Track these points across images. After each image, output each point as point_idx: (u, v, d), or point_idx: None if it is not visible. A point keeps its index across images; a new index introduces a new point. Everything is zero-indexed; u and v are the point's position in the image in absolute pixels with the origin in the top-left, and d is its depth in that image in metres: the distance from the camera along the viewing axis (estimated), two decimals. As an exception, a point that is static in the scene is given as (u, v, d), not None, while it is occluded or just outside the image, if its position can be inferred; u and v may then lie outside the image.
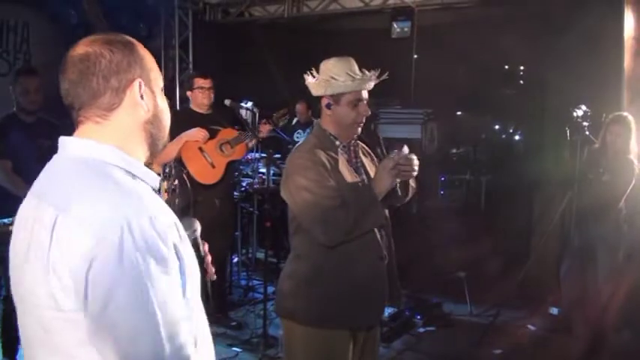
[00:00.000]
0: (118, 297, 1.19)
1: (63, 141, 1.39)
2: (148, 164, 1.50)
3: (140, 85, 1.40)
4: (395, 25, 6.38)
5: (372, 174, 2.75)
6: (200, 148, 4.76)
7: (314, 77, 2.68)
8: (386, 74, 2.72)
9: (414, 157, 2.58)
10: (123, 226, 1.20)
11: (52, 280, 1.22)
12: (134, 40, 1.45)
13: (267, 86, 7.62)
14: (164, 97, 1.51)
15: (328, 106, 2.63)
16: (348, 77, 2.59)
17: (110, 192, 1.27)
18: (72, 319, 1.23)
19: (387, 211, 2.77)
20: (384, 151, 2.80)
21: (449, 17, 6.72)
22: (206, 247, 1.70)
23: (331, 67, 2.62)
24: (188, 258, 1.36)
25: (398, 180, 2.61)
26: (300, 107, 7.24)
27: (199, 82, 4.87)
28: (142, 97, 1.41)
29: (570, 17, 5.68)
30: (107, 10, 6.74)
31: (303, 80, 2.69)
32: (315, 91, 2.66)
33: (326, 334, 2.62)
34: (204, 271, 1.64)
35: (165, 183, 5.26)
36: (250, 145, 5.06)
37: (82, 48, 1.37)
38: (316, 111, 2.78)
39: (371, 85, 2.68)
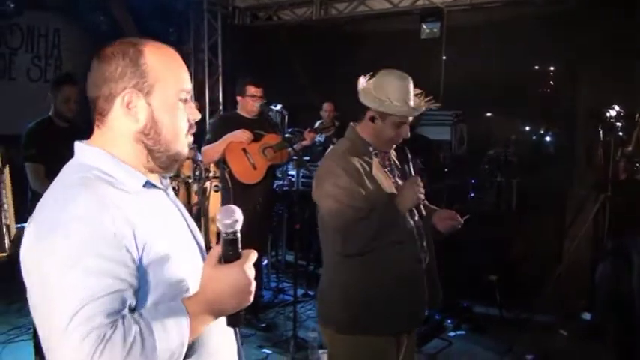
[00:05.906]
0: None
1: (75, 146, 1.48)
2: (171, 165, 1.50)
3: (126, 96, 1.40)
4: (424, 26, 6.37)
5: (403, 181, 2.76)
6: (244, 150, 4.86)
7: (367, 82, 2.66)
8: (437, 104, 2.74)
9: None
10: (60, 227, 1.26)
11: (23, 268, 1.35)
12: (145, 49, 1.42)
13: (296, 89, 7.64)
14: (172, 111, 1.45)
15: (373, 119, 2.63)
16: (405, 104, 2.60)
17: (66, 198, 1.32)
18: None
19: (423, 212, 2.74)
20: (411, 169, 2.79)
21: (478, 17, 6.66)
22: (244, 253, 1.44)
23: (390, 86, 2.61)
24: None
25: (422, 199, 2.61)
26: (327, 106, 7.19)
27: (252, 89, 4.94)
28: (128, 107, 1.41)
29: (600, 16, 5.59)
30: (137, 15, 6.83)
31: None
32: (365, 101, 2.64)
33: (372, 340, 2.61)
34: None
35: (195, 185, 5.32)
36: (293, 150, 5.03)
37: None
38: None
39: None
